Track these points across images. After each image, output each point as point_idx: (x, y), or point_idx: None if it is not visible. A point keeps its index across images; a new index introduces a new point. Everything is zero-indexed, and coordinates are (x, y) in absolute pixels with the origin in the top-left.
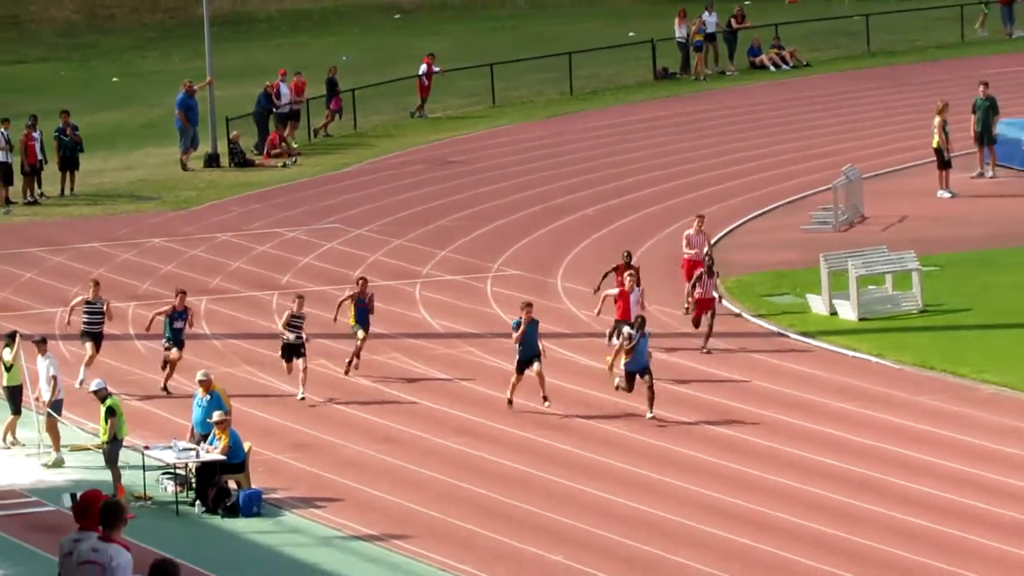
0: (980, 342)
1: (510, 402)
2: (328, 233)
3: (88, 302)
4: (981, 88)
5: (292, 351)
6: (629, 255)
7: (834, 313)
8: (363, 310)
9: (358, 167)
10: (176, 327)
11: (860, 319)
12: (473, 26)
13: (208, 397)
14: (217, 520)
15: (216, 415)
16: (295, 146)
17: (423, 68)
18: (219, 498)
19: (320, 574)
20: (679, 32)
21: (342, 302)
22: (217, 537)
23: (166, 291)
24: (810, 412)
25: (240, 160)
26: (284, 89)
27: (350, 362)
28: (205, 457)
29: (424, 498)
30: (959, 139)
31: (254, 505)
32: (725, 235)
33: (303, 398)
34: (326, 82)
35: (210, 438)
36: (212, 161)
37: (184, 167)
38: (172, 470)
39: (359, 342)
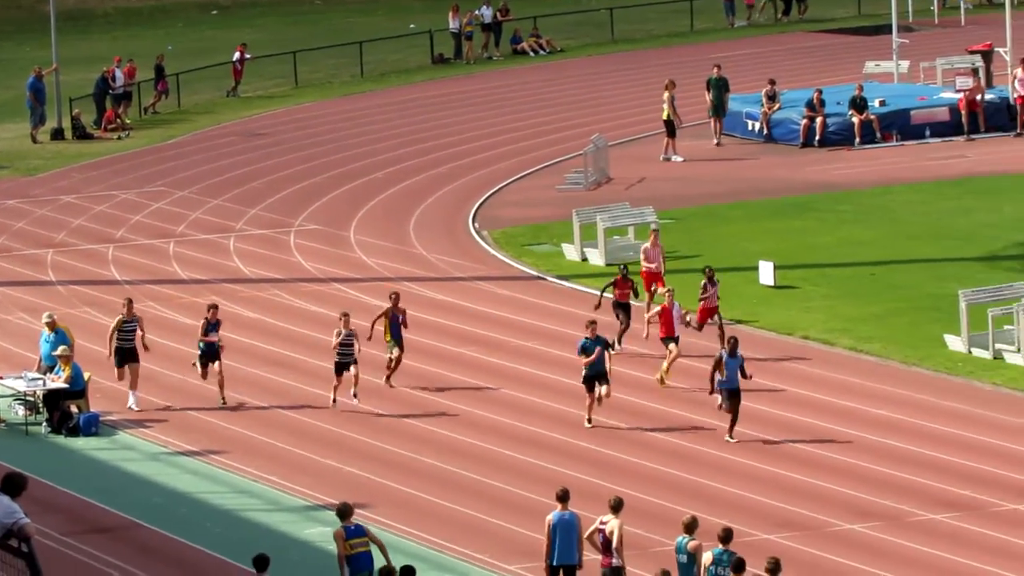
0: None
1: (589, 420)
2: (156, 195)
3: (124, 321)
4: (715, 69)
5: (343, 367)
6: (626, 267)
7: (585, 259)
8: (397, 326)
9: (181, 139)
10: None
11: (607, 264)
12: (279, 20)
13: (53, 334)
14: (61, 439)
15: (60, 349)
16: (128, 122)
17: (236, 55)
18: (63, 420)
19: (148, 484)
20: (452, 24)
21: (377, 318)
22: (61, 454)
23: (18, 244)
24: (566, 342)
25: (81, 134)
26: (119, 74)
27: (388, 377)
28: (51, 385)
29: (241, 421)
30: (691, 111)
31: (92, 426)
32: (492, 194)
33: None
34: (154, 68)
35: (55, 369)
36: (58, 135)
37: (34, 140)
38: (23, 397)
39: (394, 359)
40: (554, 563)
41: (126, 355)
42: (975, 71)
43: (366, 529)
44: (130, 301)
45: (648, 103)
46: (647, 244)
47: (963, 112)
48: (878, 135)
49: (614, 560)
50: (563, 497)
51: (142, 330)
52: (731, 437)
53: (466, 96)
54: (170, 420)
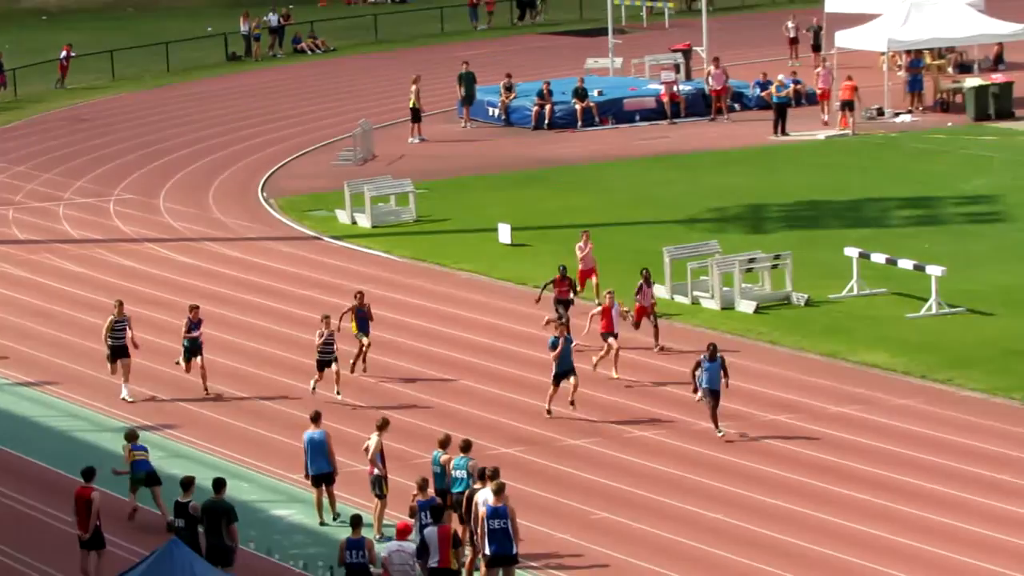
0: (457, 242)
1: (549, 412)
2: None
3: (115, 321)
4: (463, 65)
5: (325, 364)
6: (564, 267)
7: (354, 223)
8: (363, 319)
9: (17, 124)
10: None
11: (373, 227)
12: (99, 24)
13: None
14: None
15: None
16: None
17: (63, 53)
18: None
19: None
20: (243, 27)
21: (344, 313)
22: None
23: None
24: (342, 291)
25: None
26: None
27: (354, 363)
28: None
29: (67, 354)
30: (444, 100)
31: None
32: (278, 169)
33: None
34: None
35: None
36: None
37: None
38: None
39: (363, 347)
40: (311, 474)
41: (118, 352)
42: (676, 66)
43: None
44: (120, 303)
45: (406, 93)
46: (580, 243)
47: (666, 100)
48: (596, 119)
49: (376, 470)
50: (315, 418)
51: (131, 329)
52: (720, 430)
53: (255, 88)
54: (11, 357)
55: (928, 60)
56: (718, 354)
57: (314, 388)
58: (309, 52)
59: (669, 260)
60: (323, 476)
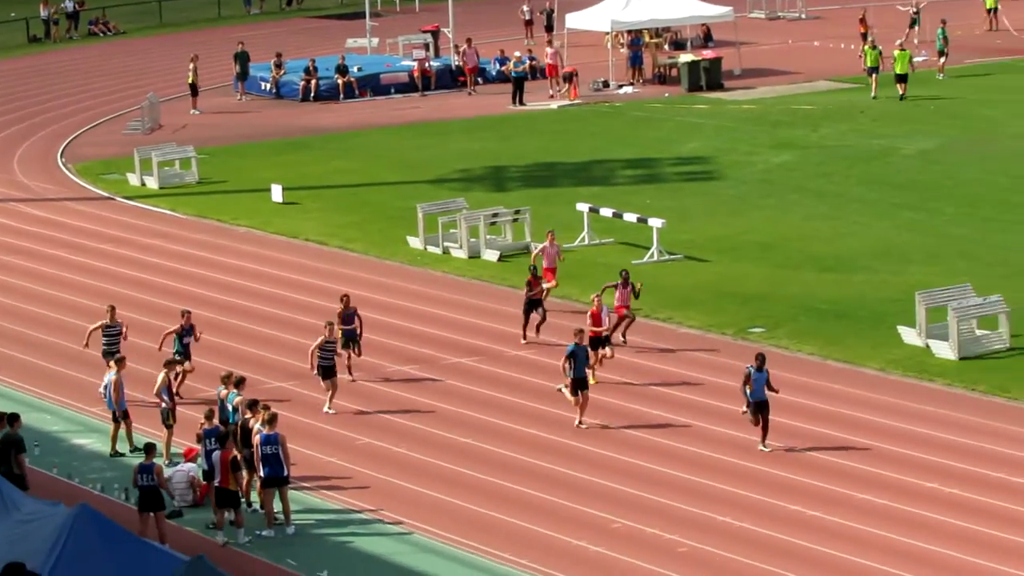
0: (235, 201)
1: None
2: None
3: (107, 326)
4: (239, 45)
5: (328, 371)
6: (535, 268)
7: (144, 184)
8: (350, 325)
9: None
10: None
11: (160, 188)
12: None
13: None
14: None
15: None
16: None
17: None
18: None
19: None
20: (43, 12)
21: (336, 317)
22: None
23: None
24: (135, 245)
25: None
26: None
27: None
28: None
29: None
30: (221, 76)
31: None
32: (75, 138)
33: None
34: None
35: None
36: None
37: None
38: None
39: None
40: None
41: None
42: (427, 45)
43: None
44: (113, 308)
45: (186, 71)
46: (545, 244)
47: (418, 75)
48: (356, 92)
49: (163, 403)
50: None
51: (125, 337)
52: (764, 446)
53: (54, 67)
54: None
55: (647, 39)
56: (765, 365)
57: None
58: (101, 35)
59: (422, 215)
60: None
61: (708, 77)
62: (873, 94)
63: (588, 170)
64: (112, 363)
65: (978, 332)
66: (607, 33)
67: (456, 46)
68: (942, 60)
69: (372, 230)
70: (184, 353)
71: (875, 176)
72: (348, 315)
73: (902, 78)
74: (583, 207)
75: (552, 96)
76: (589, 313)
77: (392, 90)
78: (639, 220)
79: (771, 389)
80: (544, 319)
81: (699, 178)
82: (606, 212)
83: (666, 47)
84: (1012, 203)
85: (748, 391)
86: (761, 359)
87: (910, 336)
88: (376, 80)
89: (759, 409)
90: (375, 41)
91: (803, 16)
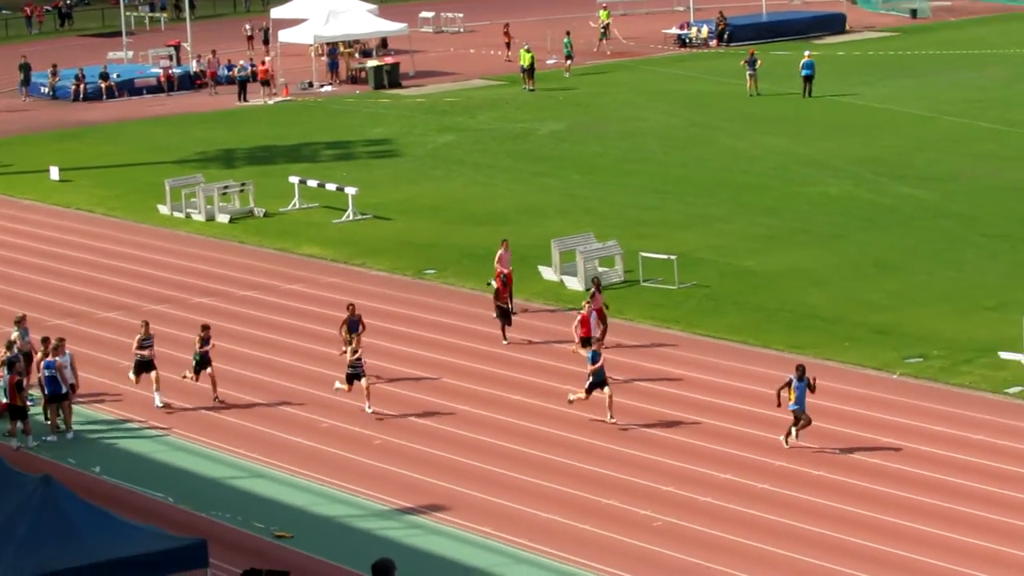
0: (20, 180)
1: (611, 417)
2: None
3: (142, 338)
4: (22, 57)
5: (355, 377)
6: (506, 276)
7: None
8: (354, 327)
9: None
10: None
11: None
12: None
13: None
14: None
15: None
16: None
17: None
18: None
19: None
20: None
21: (342, 325)
22: None
23: None
24: None
25: None
26: None
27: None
28: None
29: None
30: (3, 83)
31: None
32: None
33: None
34: None
35: None
36: None
37: None
38: None
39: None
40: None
41: (145, 366)
42: (170, 56)
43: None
44: (147, 323)
45: None
46: (501, 251)
47: (164, 80)
48: (116, 94)
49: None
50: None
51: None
52: (796, 437)
53: None
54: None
55: (341, 48)
56: (806, 375)
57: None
58: None
59: (169, 188)
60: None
61: (389, 78)
62: (530, 87)
63: (298, 151)
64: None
65: (600, 269)
66: (311, 45)
67: (199, 56)
68: (568, 62)
69: (130, 200)
70: (202, 362)
71: (518, 151)
72: (353, 322)
73: (530, 72)
74: (294, 179)
75: (270, 95)
76: (579, 318)
77: (144, 91)
78: (338, 188)
79: (811, 390)
80: (509, 323)
81: (384, 155)
82: (312, 183)
83: (356, 55)
84: (623, 171)
85: (788, 398)
86: (801, 369)
87: (548, 273)
88: (131, 84)
89: (800, 416)
90: (130, 53)
91: (461, 30)
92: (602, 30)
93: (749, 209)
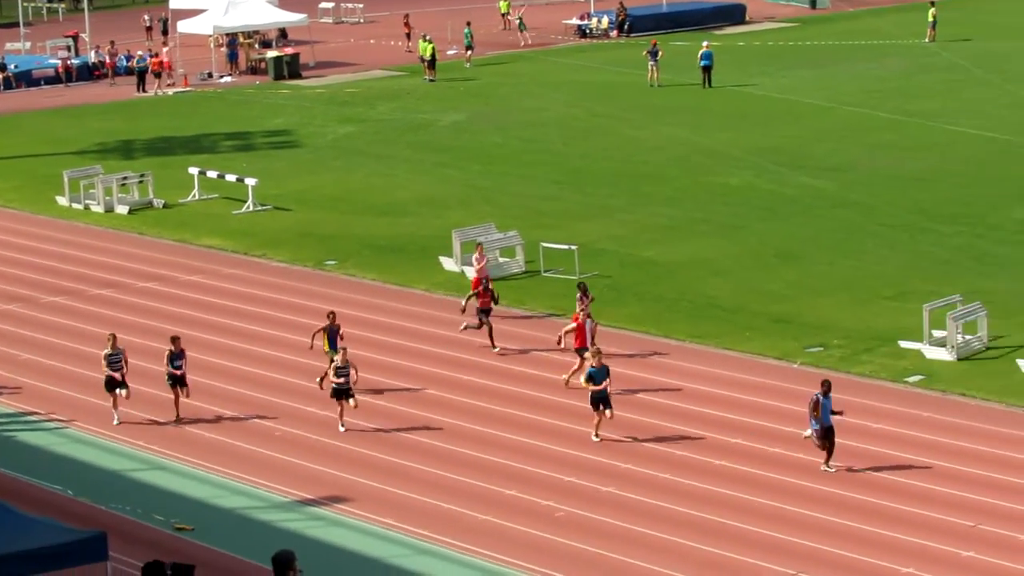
0: None
1: (596, 435)
2: None
3: (109, 354)
4: None
5: (341, 394)
6: (487, 280)
7: None
8: (334, 339)
9: None
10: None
11: None
12: None
13: None
14: None
15: None
16: None
17: None
18: None
19: None
20: None
21: (316, 333)
22: None
23: None
24: None
25: None
26: None
27: (322, 380)
28: None
29: None
30: None
31: None
32: None
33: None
34: None
35: None
36: None
37: None
38: None
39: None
40: None
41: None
42: (69, 47)
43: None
44: (114, 336)
45: None
46: (476, 255)
47: (62, 71)
48: (14, 85)
49: None
50: None
51: (126, 362)
52: (828, 467)
53: None
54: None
55: (241, 39)
56: (831, 392)
57: (342, 423)
58: None
59: (67, 179)
60: None
61: (289, 68)
62: (431, 78)
63: (198, 142)
64: None
65: (500, 260)
66: (210, 35)
67: (97, 47)
68: (468, 53)
69: (27, 192)
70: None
71: (419, 142)
72: (332, 331)
73: (430, 63)
74: (194, 170)
75: (170, 85)
76: (575, 326)
77: (42, 82)
78: (238, 179)
79: (835, 413)
80: (484, 325)
81: (284, 146)
82: (212, 174)
83: (256, 46)
84: (523, 161)
85: (815, 418)
86: (827, 385)
87: (449, 264)
88: (29, 75)
89: (826, 434)
90: (28, 44)
91: (361, 21)
92: (519, 20)
93: (650, 199)
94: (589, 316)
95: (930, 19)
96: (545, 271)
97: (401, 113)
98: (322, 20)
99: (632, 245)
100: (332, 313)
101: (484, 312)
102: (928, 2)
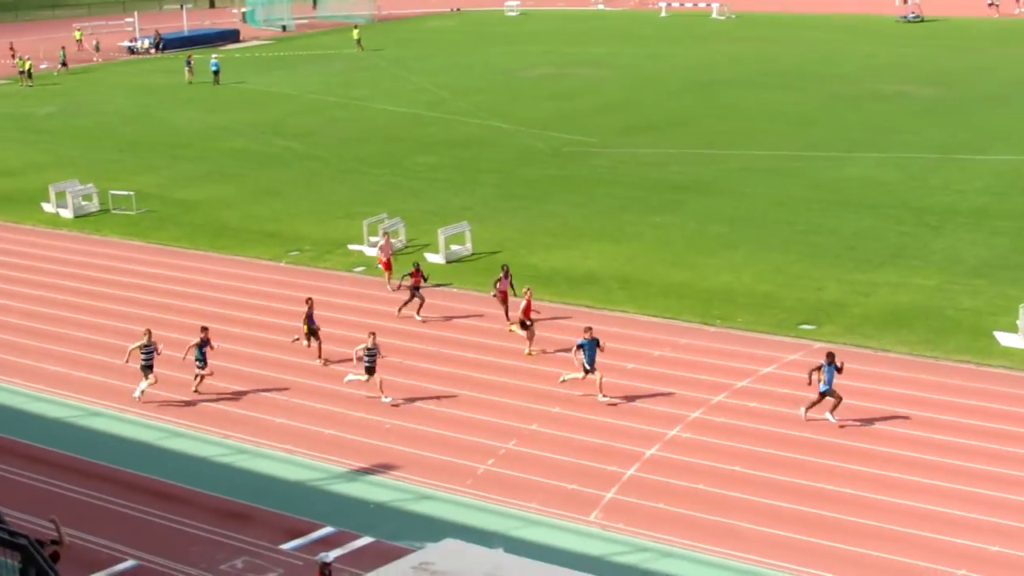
0: None
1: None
2: None
3: (144, 346)
4: None
5: (371, 371)
6: (418, 264)
7: None
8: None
9: None
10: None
11: None
12: None
13: None
14: None
15: None
16: None
17: None
18: None
19: None
20: None
21: (305, 319)
22: None
23: None
24: None
25: None
26: None
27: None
28: None
29: None
30: None
31: None
32: None
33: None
34: None
35: None
36: None
37: None
38: None
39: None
40: None
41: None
42: None
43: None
44: (149, 331)
45: None
46: (382, 242)
47: None
48: None
49: None
50: None
51: (158, 353)
52: (833, 417)
53: None
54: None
55: None
56: (835, 360)
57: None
58: None
59: None
60: None
61: None
62: (29, 84)
63: None
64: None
65: (83, 203)
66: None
67: None
68: (60, 67)
69: None
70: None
71: (25, 127)
72: (310, 314)
73: (28, 74)
74: None
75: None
76: (526, 302)
77: None
78: None
79: (839, 372)
80: (413, 300)
81: None
82: None
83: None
84: (94, 135)
85: (818, 379)
86: (831, 356)
87: (48, 207)
88: None
89: (830, 394)
90: None
91: None
92: (95, 44)
93: (180, 159)
94: (512, 290)
95: (355, 37)
96: (113, 209)
97: (10, 108)
98: None
99: (170, 190)
100: (310, 299)
101: (415, 289)
102: (352, 26)
